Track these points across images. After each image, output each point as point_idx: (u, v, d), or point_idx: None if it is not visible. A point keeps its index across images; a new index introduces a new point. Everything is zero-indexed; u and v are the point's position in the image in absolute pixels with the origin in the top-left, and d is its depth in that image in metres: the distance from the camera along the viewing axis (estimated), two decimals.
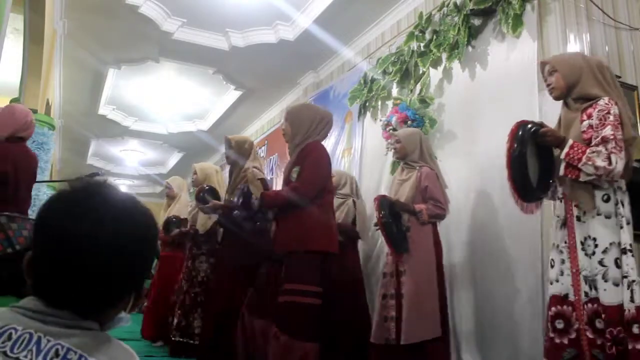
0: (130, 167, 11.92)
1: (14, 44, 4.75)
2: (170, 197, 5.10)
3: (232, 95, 7.51)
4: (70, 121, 8.72)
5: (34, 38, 4.62)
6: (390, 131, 4.00)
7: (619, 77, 3.39)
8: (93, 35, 5.92)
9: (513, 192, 2.27)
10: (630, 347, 1.95)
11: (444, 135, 3.98)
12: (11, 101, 4.31)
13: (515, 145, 2.21)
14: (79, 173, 4.74)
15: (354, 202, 3.97)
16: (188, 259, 4.25)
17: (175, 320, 4.08)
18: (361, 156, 4.96)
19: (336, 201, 3.91)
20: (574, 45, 3.23)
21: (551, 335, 2.18)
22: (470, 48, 3.82)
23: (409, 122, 3.97)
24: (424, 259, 3.06)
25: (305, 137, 2.80)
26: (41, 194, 5.12)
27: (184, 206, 4.98)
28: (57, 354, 0.72)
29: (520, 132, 2.22)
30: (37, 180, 4.76)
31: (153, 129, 9.24)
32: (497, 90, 3.53)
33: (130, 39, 5.96)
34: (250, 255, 3.24)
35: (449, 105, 4.00)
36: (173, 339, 4.06)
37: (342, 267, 3.65)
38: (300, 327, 2.50)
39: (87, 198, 0.79)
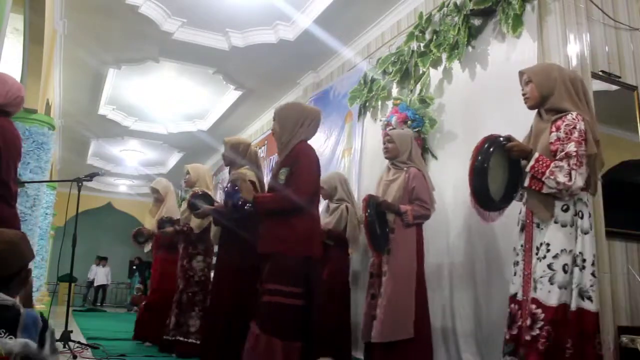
0: (130, 167, 11.93)
1: (14, 44, 4.75)
2: (160, 200, 5.05)
3: (232, 95, 7.51)
4: (70, 121, 8.73)
5: (34, 38, 4.62)
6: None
7: (619, 77, 3.39)
8: (93, 35, 5.92)
9: (473, 202, 2.43)
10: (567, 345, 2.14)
11: (444, 135, 3.98)
12: None
13: (479, 158, 2.35)
14: (79, 173, 4.72)
15: (347, 207, 3.98)
16: (183, 258, 4.22)
17: (172, 320, 4.07)
18: (361, 156, 4.96)
19: (331, 206, 4.02)
20: (574, 46, 3.23)
21: (505, 330, 2.39)
22: (470, 48, 3.82)
23: (409, 122, 3.97)
24: (405, 262, 3.12)
25: (291, 136, 2.82)
26: (41, 193, 5.12)
27: (173, 207, 4.95)
28: None
29: (485, 146, 2.36)
30: (36, 180, 4.81)
31: (153, 129, 9.24)
32: (497, 90, 3.53)
33: (130, 39, 5.96)
34: (250, 255, 3.23)
35: (449, 105, 3.99)
36: (166, 337, 4.04)
37: (330, 270, 3.73)
38: (282, 327, 2.53)
39: None
